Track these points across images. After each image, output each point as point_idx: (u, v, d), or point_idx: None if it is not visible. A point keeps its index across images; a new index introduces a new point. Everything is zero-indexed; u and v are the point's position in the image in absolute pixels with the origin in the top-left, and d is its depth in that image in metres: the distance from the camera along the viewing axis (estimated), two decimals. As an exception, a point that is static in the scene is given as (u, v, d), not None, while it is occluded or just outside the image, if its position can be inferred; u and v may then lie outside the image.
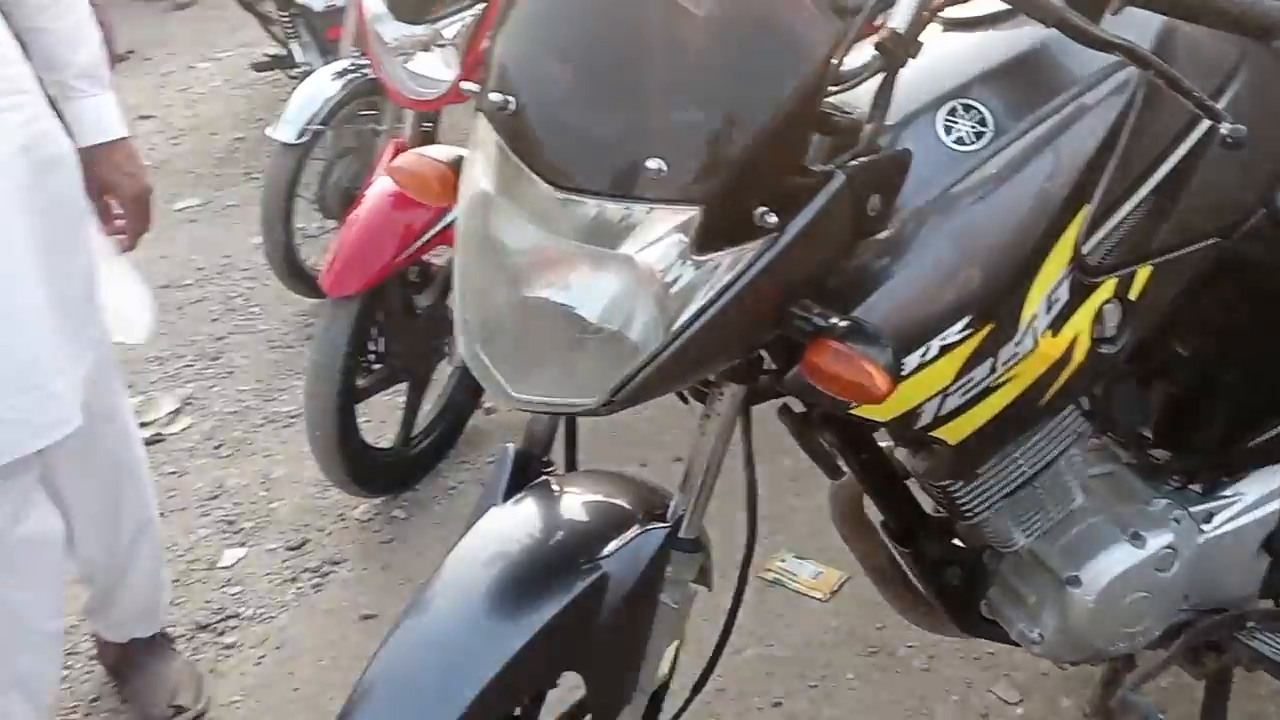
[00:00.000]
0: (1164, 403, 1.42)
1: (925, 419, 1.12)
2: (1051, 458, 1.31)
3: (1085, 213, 1.11)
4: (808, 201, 0.94)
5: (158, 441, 2.87)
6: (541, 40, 0.95)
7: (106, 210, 1.82)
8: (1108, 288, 1.15)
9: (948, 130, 1.09)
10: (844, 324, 0.98)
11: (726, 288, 0.93)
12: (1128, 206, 1.14)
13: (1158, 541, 1.34)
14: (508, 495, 1.21)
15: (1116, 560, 1.33)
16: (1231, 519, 1.39)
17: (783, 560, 2.27)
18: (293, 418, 2.86)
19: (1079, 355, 1.16)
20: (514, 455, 1.24)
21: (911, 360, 1.06)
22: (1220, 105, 1.09)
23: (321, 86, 3.07)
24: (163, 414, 2.99)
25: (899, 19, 1.01)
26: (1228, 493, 1.39)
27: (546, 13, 0.95)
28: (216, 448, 2.83)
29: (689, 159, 0.89)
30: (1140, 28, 1.09)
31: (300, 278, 3.27)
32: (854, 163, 0.97)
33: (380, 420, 2.69)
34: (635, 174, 0.88)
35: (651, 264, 0.91)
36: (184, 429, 2.93)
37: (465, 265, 0.99)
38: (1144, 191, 1.15)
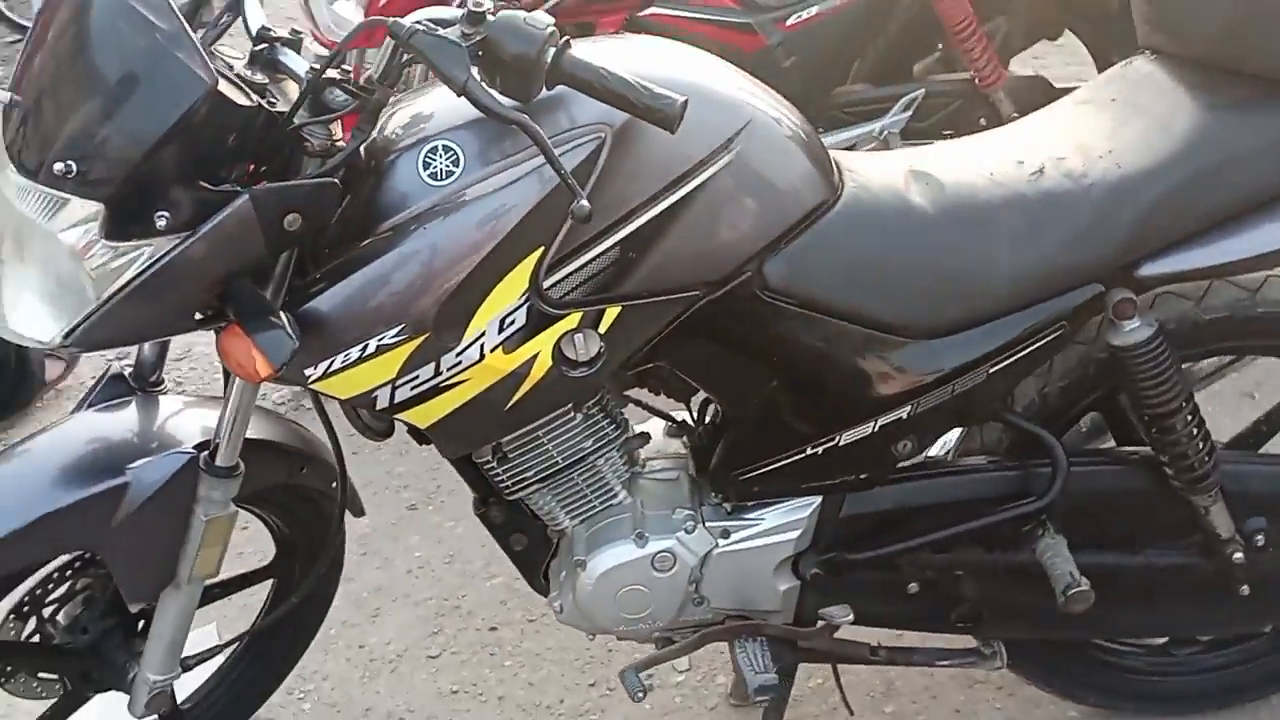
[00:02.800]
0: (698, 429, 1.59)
1: (383, 402, 1.34)
2: (584, 454, 1.50)
3: (540, 253, 1.29)
4: (215, 212, 1.18)
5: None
6: (31, 53, 1.20)
7: None
8: (572, 320, 1.34)
9: (425, 166, 1.29)
10: (257, 313, 1.21)
11: (145, 270, 1.18)
12: (593, 253, 1.31)
13: (658, 545, 1.52)
14: (91, 404, 1.50)
15: (616, 554, 1.53)
16: (748, 539, 1.55)
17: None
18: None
19: (539, 373, 1.35)
20: (111, 373, 1.52)
21: (352, 353, 1.29)
22: (712, 173, 1.27)
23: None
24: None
25: (376, 68, 1.23)
26: (750, 516, 1.55)
27: (39, 34, 1.21)
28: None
29: (91, 166, 1.14)
30: None
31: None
32: (262, 186, 1.19)
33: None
34: (53, 172, 1.14)
35: (72, 242, 1.17)
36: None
37: None
38: (610, 242, 1.31)
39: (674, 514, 1.55)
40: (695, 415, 1.64)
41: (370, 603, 2.39)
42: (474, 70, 1.18)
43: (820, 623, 1.60)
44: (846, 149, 2.27)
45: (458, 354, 1.31)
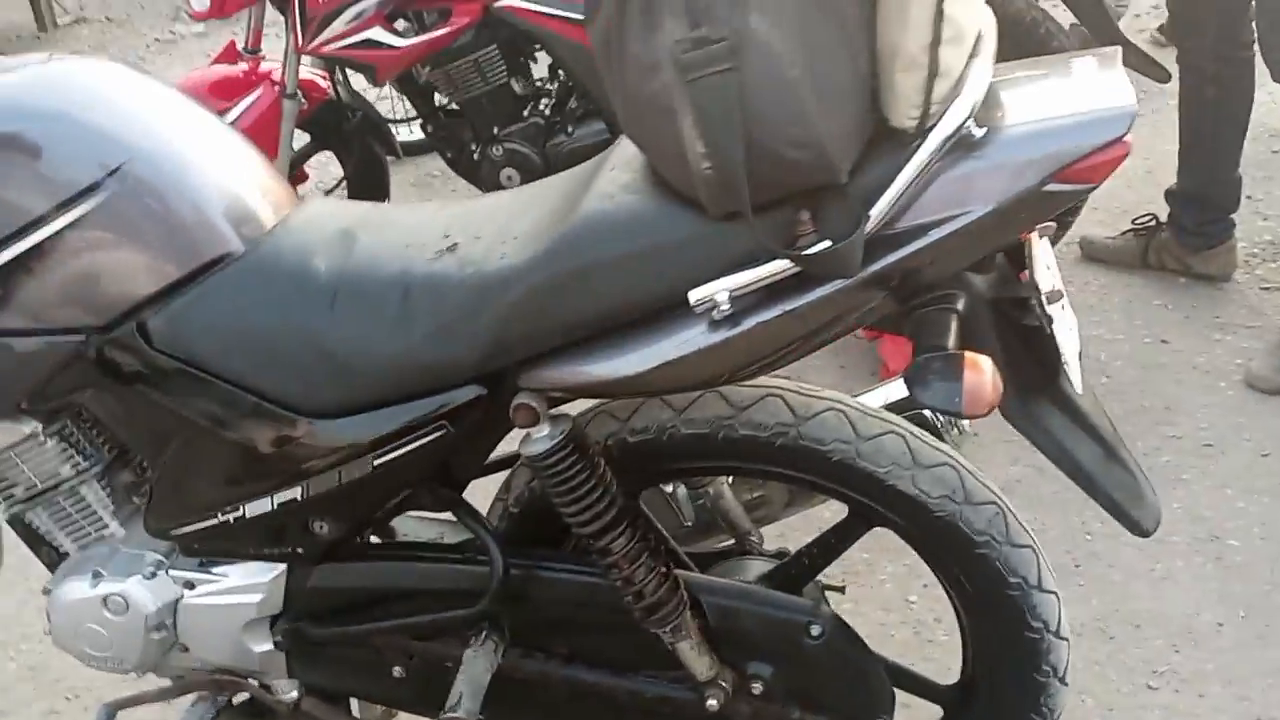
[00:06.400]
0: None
1: None
2: (62, 479, 1.47)
3: None
4: None
5: None
6: None
7: None
8: None
9: None
10: None
11: None
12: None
13: (111, 587, 1.46)
14: None
15: (71, 589, 1.48)
16: (212, 594, 1.47)
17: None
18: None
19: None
20: None
21: None
22: (78, 214, 1.21)
23: None
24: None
25: None
26: (217, 570, 1.47)
27: None
28: None
29: None
30: None
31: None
32: None
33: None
34: None
35: None
36: None
37: None
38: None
39: (145, 555, 1.49)
40: None
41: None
42: None
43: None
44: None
45: None
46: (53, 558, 1.58)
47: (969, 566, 1.33)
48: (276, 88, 2.86)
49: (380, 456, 1.28)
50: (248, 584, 1.46)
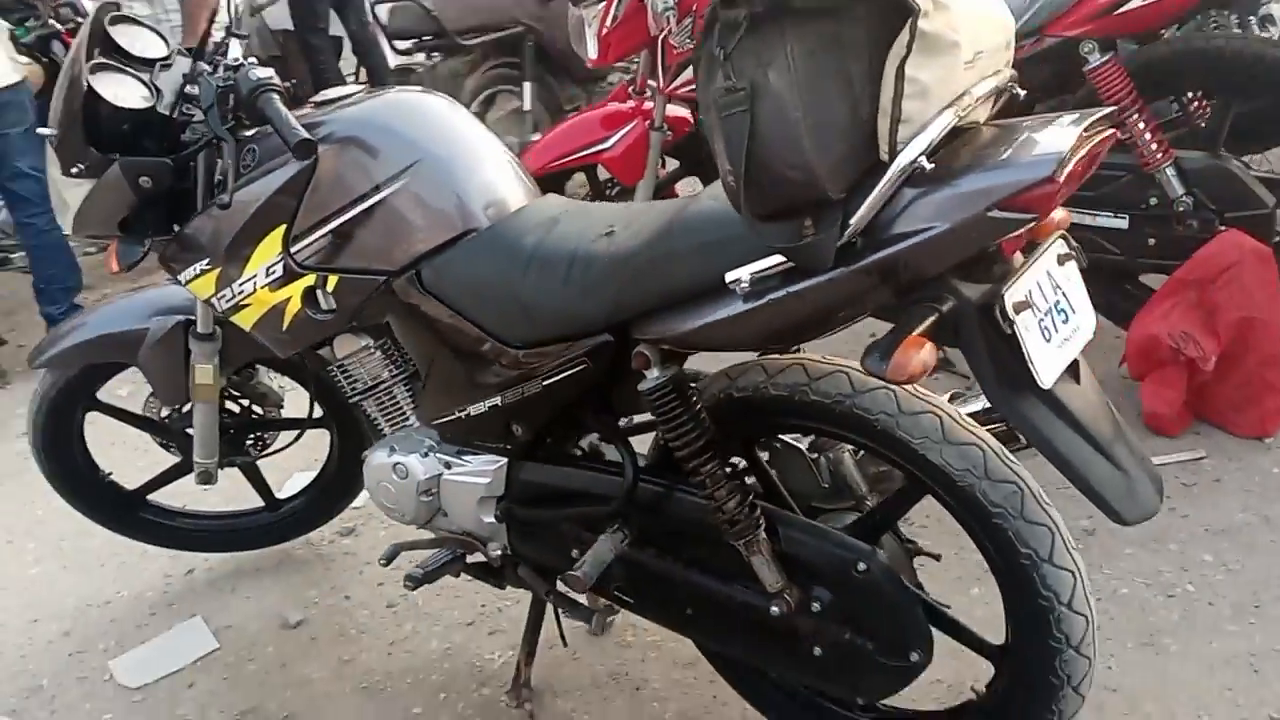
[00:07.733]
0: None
1: (219, 308, 2.08)
2: (382, 380, 2.13)
3: (285, 228, 1.94)
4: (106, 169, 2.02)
5: None
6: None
7: None
8: (309, 280, 1.97)
9: (248, 156, 1.99)
10: (131, 231, 2.04)
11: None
12: (315, 235, 1.93)
13: (398, 458, 2.08)
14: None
15: (377, 456, 2.12)
16: (459, 474, 2.04)
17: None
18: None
19: (293, 310, 2.01)
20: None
21: (190, 271, 2.06)
22: (386, 194, 1.87)
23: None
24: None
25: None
26: (465, 457, 2.04)
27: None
28: None
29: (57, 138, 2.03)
30: None
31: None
32: (127, 159, 1.99)
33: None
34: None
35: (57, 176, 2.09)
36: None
37: None
38: (324, 230, 1.92)
39: (424, 440, 2.10)
40: None
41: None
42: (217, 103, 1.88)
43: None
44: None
45: (239, 285, 2.01)
46: (377, 437, 2.23)
47: (988, 535, 1.59)
48: (648, 121, 3.47)
49: (547, 379, 1.79)
50: (482, 469, 2.02)
